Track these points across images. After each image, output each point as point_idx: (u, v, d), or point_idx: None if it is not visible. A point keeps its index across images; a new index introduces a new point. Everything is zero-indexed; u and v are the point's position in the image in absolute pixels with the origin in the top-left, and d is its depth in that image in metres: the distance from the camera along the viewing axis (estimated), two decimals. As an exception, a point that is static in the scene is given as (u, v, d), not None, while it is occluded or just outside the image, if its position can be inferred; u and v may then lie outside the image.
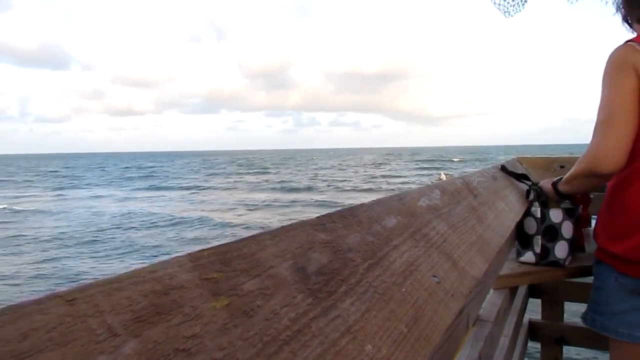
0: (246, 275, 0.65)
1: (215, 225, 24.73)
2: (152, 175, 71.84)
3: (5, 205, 35.89)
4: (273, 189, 46.81)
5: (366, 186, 46.77)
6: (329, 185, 49.65)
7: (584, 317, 2.10)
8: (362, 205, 1.03)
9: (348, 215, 0.96)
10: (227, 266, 0.64)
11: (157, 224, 25.33)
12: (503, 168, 2.48)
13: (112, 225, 25.24)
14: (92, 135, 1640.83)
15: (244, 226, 24.15)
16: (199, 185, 53.16)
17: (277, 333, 0.61)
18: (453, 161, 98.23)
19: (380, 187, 45.35)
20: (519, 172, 2.60)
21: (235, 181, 57.84)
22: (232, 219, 26.91)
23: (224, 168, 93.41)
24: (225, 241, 0.65)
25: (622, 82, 1.76)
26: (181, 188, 49.92)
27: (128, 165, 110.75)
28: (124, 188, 51.84)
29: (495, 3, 5.28)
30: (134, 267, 0.54)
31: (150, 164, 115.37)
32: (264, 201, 35.58)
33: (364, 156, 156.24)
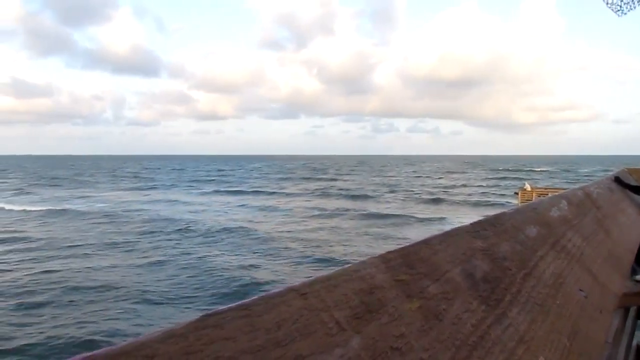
0: (428, 279, 0.71)
1: (244, 235, 24.19)
2: (222, 180, 73.57)
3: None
4: (336, 195, 46.08)
5: (433, 197, 44.55)
6: (392, 192, 48.11)
7: None
8: (504, 213, 1.13)
9: (496, 224, 1.04)
10: (411, 269, 0.70)
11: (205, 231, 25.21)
12: (617, 180, 2.37)
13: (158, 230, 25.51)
14: (179, 138, 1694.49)
15: (268, 237, 23.52)
16: (266, 190, 53.47)
17: (465, 338, 0.66)
18: (534, 171, 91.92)
19: (451, 199, 42.96)
20: (632, 184, 2.50)
21: (303, 188, 57.58)
22: (267, 228, 26.34)
23: (294, 173, 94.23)
24: (406, 244, 0.72)
25: None
26: (244, 193, 50.46)
27: (206, 169, 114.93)
28: (192, 191, 53.34)
29: (607, 3, 5.32)
30: (343, 266, 0.60)
31: (227, 167, 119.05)
32: (315, 208, 34.88)
33: (440, 164, 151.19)
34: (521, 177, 73.08)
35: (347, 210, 34.42)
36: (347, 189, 53.65)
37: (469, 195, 47.03)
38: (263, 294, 0.51)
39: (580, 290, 1.06)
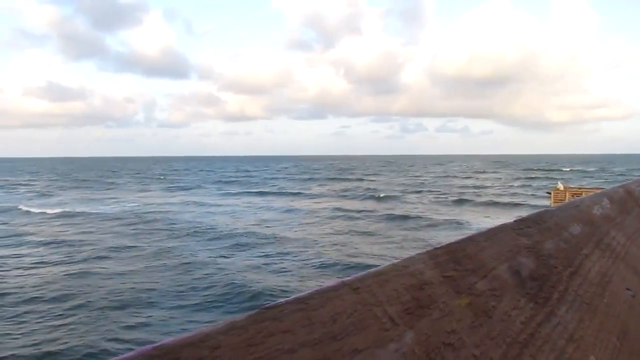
0: (476, 276, 0.71)
1: (263, 237, 23.79)
2: (248, 181, 73.80)
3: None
4: (360, 197, 45.50)
5: (459, 198, 43.46)
6: (417, 193, 47.16)
7: None
8: (547, 211, 1.13)
9: (539, 221, 1.04)
10: (459, 265, 0.70)
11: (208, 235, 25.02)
12: None
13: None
14: (208, 140, 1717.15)
15: (264, 236, 23.17)
16: (290, 191, 53.30)
17: (515, 335, 0.67)
18: (563, 170, 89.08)
19: (478, 200, 41.83)
20: None
21: (329, 188, 57.10)
22: (288, 230, 26.03)
23: (319, 173, 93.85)
24: (451, 240, 0.73)
25: None
26: (267, 194, 50.31)
27: (233, 170, 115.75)
28: (213, 193, 53.60)
29: None
30: (392, 262, 0.62)
31: (253, 169, 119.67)
32: (338, 209, 34.26)
33: (469, 164, 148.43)
34: (552, 176, 70.92)
35: (371, 211, 33.85)
36: (374, 189, 53.06)
37: (498, 196, 45.70)
38: (317, 287, 0.52)
39: (628, 289, 1.04)
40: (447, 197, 44.05)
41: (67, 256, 19.49)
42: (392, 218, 30.30)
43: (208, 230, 25.36)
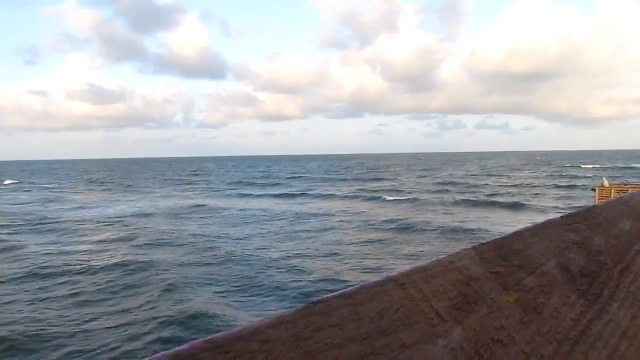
0: (524, 272, 0.71)
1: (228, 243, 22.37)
2: (269, 183, 72.92)
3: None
4: (379, 199, 43.40)
5: (490, 200, 40.73)
6: (443, 194, 44.58)
7: None
8: (596, 206, 1.14)
9: (588, 217, 1.05)
10: (506, 261, 0.70)
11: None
12: None
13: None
14: (246, 140, 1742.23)
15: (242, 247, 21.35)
16: (309, 192, 51.68)
17: (566, 332, 0.66)
18: (582, 168, 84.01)
19: (510, 202, 39.02)
20: None
21: (354, 189, 55.13)
22: (297, 233, 24.36)
23: (345, 173, 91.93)
24: (498, 236, 0.73)
25: None
26: (282, 196, 49.04)
27: (260, 170, 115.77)
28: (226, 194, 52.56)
29: None
30: (438, 257, 0.62)
31: (277, 168, 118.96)
32: (350, 212, 31.92)
33: (507, 161, 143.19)
34: (586, 175, 66.83)
35: (387, 218, 31.70)
36: (398, 191, 50.83)
37: (537, 198, 42.66)
38: (363, 283, 0.52)
39: None
40: (478, 198, 41.38)
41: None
42: (406, 228, 28.09)
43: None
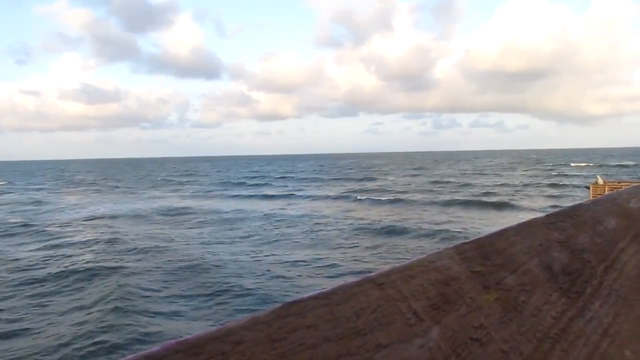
0: (505, 271, 0.71)
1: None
2: (251, 183, 71.96)
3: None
4: (360, 200, 42.64)
5: (475, 199, 39.94)
6: (430, 193, 43.78)
7: None
8: (581, 205, 1.14)
9: (573, 215, 1.05)
10: (487, 260, 0.70)
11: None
12: None
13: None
14: (241, 139, 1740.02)
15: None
16: (293, 193, 50.71)
17: (546, 330, 0.66)
18: (570, 166, 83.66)
19: (496, 202, 38.19)
20: None
21: (338, 189, 54.28)
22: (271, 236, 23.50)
23: (336, 173, 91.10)
24: (480, 236, 0.74)
25: None
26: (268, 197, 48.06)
27: (253, 170, 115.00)
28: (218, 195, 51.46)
29: None
30: (418, 257, 0.62)
31: (269, 168, 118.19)
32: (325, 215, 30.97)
33: (499, 160, 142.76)
34: (577, 173, 66.21)
35: (369, 219, 30.81)
36: (385, 191, 50.01)
37: (528, 197, 41.87)
38: (341, 283, 0.52)
39: None
40: (465, 198, 40.56)
41: None
42: (386, 230, 27.21)
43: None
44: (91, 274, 17.14)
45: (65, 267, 18.40)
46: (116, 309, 13.18)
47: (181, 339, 0.40)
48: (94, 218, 33.56)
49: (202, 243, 23.63)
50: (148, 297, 14.70)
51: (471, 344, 0.56)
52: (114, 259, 19.75)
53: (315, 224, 28.66)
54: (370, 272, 0.57)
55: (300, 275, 17.11)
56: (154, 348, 0.38)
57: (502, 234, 0.78)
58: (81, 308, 13.77)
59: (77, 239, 25.09)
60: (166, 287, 15.76)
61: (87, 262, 19.15)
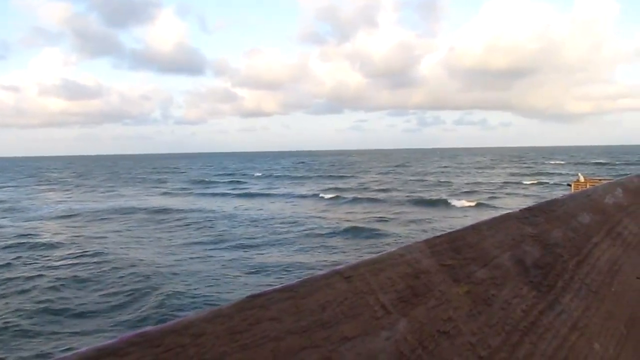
0: (476, 264, 0.71)
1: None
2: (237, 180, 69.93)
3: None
4: (328, 199, 41.04)
5: (447, 196, 38.43)
6: (395, 192, 42.29)
7: None
8: (556, 200, 1.12)
9: (547, 210, 1.05)
10: (458, 254, 0.70)
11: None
12: None
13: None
14: (226, 136, 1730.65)
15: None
16: (262, 192, 48.73)
17: (516, 323, 0.67)
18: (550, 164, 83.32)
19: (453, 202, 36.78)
20: None
21: (316, 189, 52.53)
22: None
23: (316, 170, 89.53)
24: (453, 229, 0.74)
25: None
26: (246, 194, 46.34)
27: (232, 166, 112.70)
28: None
29: None
30: (388, 250, 0.61)
31: (248, 165, 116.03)
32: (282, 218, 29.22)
33: (481, 157, 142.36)
34: (556, 171, 65.50)
35: (337, 219, 29.10)
36: (358, 189, 48.43)
37: (506, 197, 40.54)
38: (307, 276, 0.51)
39: (638, 278, 1.04)
40: (433, 197, 39.11)
41: None
42: (350, 228, 25.51)
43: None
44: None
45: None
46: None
47: (139, 331, 0.39)
48: (43, 219, 31.33)
49: (142, 245, 21.74)
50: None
51: (438, 336, 0.56)
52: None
53: (282, 223, 26.90)
54: (337, 264, 0.57)
55: (238, 276, 15.44)
56: (111, 340, 0.37)
57: (474, 228, 0.78)
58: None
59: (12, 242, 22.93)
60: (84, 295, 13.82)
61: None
